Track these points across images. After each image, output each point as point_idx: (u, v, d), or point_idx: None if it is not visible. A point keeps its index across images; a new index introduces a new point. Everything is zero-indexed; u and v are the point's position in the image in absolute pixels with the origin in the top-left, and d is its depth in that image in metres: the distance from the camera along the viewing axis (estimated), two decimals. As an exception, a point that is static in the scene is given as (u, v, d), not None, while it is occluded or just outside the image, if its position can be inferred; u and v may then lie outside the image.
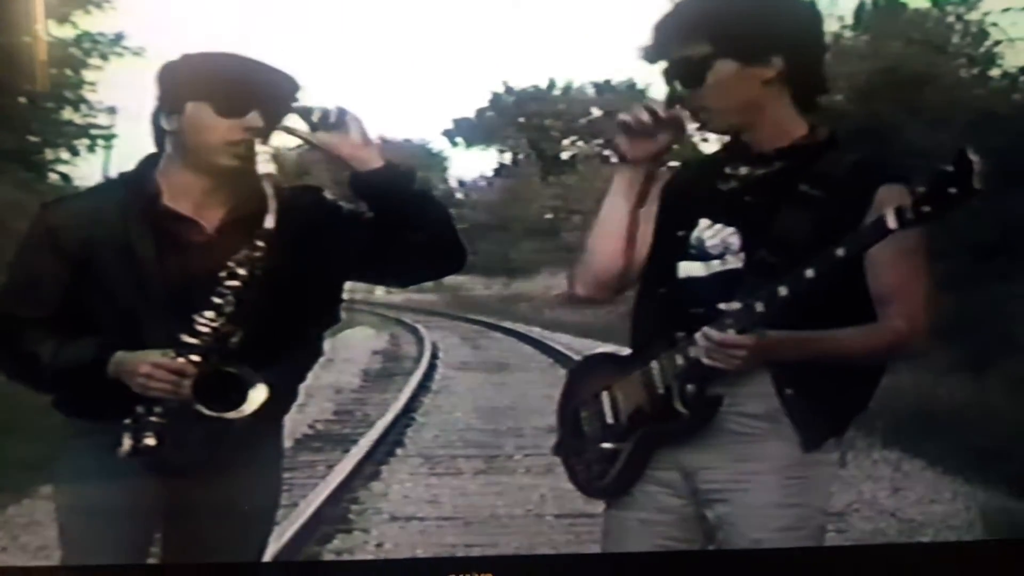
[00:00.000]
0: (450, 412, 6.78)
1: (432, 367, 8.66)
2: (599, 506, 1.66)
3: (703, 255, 1.52)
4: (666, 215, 1.59)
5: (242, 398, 1.50)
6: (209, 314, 1.52)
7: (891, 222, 1.34)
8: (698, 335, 1.42)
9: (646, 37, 1.55)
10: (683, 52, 1.50)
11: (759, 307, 1.40)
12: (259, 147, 1.55)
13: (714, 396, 1.47)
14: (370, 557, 3.67)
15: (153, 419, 1.51)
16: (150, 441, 1.51)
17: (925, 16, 8.73)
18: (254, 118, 1.54)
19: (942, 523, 4.04)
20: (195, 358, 1.50)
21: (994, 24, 8.27)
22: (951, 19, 8.66)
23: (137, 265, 1.55)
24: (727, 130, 1.57)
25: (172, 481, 1.56)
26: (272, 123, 1.57)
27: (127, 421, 1.52)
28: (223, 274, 1.52)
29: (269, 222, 1.52)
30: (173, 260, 1.56)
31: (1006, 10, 7.69)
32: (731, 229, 1.50)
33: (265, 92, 1.56)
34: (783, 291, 1.39)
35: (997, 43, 8.23)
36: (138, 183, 1.61)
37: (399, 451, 5.49)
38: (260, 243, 1.52)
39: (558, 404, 1.65)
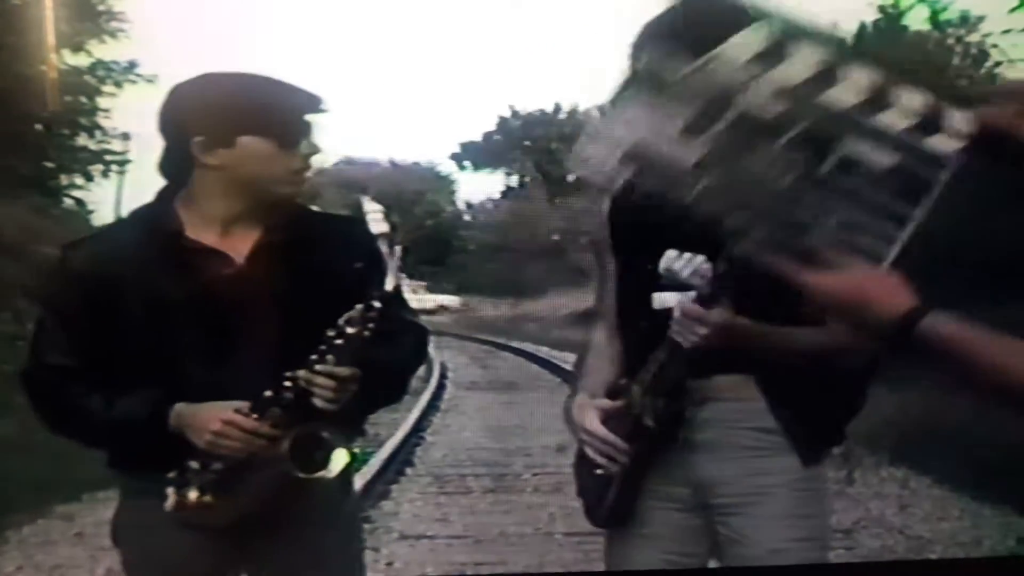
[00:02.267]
0: (459, 431, 6.80)
1: (441, 387, 8.67)
2: (608, 525, 1.68)
3: (679, 285, 1.52)
4: (629, 247, 1.59)
5: (326, 460, 1.44)
6: (303, 373, 1.41)
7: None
8: (674, 306, 1.45)
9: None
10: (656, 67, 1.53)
11: (705, 289, 1.43)
12: (369, 205, 1.48)
13: (676, 409, 1.50)
14: (380, 576, 3.69)
15: (208, 474, 1.43)
16: (193, 495, 1.43)
17: (926, 38, 8.78)
18: (308, 145, 1.50)
19: (950, 540, 4.03)
20: (271, 416, 1.42)
21: (995, 46, 8.31)
22: (951, 41, 8.71)
23: (169, 307, 1.46)
24: None
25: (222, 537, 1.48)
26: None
27: (171, 475, 1.43)
28: (331, 333, 1.42)
29: (390, 284, 1.43)
30: (205, 297, 1.47)
31: (1006, 31, 7.74)
32: (702, 256, 1.50)
33: (309, 114, 1.51)
34: (707, 288, 1.43)
35: (998, 64, 8.27)
36: (157, 218, 1.52)
37: (409, 470, 5.52)
38: (377, 304, 1.42)
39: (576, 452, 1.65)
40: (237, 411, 1.42)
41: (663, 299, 1.55)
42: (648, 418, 1.51)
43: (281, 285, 1.48)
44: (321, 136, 1.54)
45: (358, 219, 1.61)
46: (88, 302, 1.49)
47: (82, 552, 3.79)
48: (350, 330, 1.42)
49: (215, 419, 1.42)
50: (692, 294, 1.46)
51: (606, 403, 1.55)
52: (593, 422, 1.55)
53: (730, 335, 1.43)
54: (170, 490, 1.43)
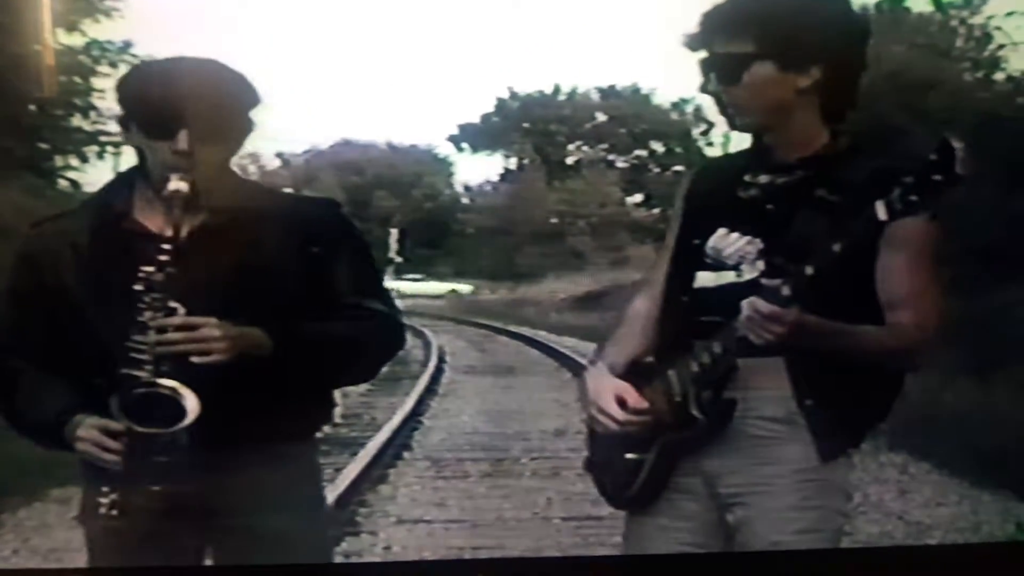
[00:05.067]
0: (457, 416, 6.80)
1: (439, 371, 8.67)
2: (606, 509, 1.66)
3: (719, 265, 1.52)
4: (687, 223, 1.60)
5: (180, 412, 1.40)
6: (151, 338, 1.40)
7: (881, 213, 1.35)
8: (745, 304, 1.41)
9: (689, 26, 1.54)
10: (725, 48, 1.50)
11: (785, 290, 1.40)
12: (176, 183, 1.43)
13: (728, 400, 1.48)
14: (377, 560, 3.68)
15: (114, 475, 1.42)
16: (110, 498, 1.42)
17: (929, 20, 8.75)
18: (182, 139, 1.44)
19: (949, 525, 4.03)
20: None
21: (998, 28, 8.29)
22: (955, 23, 8.68)
23: (106, 290, 1.46)
24: (751, 130, 1.56)
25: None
26: (210, 140, 1.46)
27: (101, 493, 1.43)
28: (140, 287, 1.42)
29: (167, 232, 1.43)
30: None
31: (1010, 14, 7.71)
32: (747, 238, 1.51)
33: (196, 109, 1.45)
34: (786, 290, 1.40)
35: (1001, 47, 8.24)
36: (109, 198, 1.53)
37: (406, 454, 5.50)
38: (167, 247, 1.42)
39: (588, 421, 1.63)
40: (96, 426, 1.43)
41: (703, 278, 1.54)
42: (694, 408, 1.49)
43: (217, 269, 1.46)
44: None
45: (317, 199, 1.65)
46: (36, 283, 1.50)
47: (78, 536, 3.77)
48: (157, 278, 1.41)
49: (82, 426, 1.44)
50: (763, 295, 1.41)
51: (628, 388, 1.53)
52: (610, 404, 1.53)
53: (804, 333, 1.41)
54: (102, 500, 1.43)
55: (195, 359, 1.41)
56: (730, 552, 1.53)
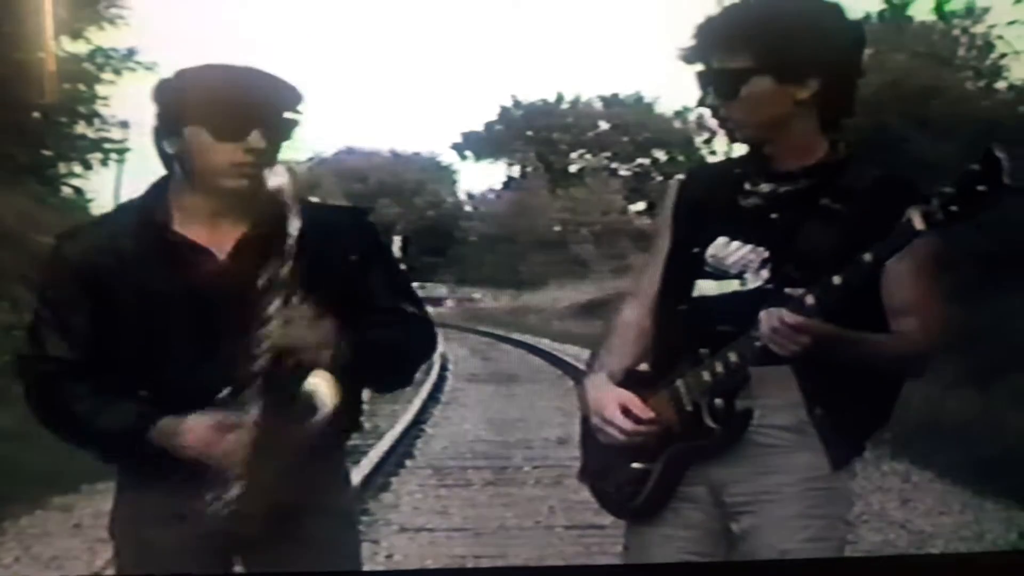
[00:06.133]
0: (459, 424, 6.79)
1: (442, 379, 8.67)
2: (608, 518, 1.66)
3: (721, 273, 1.51)
4: (682, 231, 1.59)
5: (313, 408, 1.43)
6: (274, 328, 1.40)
7: (918, 223, 1.33)
8: (764, 315, 1.40)
9: (687, 38, 1.53)
10: (723, 62, 1.50)
11: (809, 300, 1.39)
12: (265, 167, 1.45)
13: (745, 410, 1.47)
14: (380, 568, 3.67)
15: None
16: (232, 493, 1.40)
17: (931, 29, 8.76)
18: (256, 138, 1.46)
19: (952, 534, 4.02)
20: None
21: (1000, 37, 8.29)
22: (957, 32, 8.69)
23: (153, 301, 1.47)
24: (751, 142, 1.56)
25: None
26: (276, 139, 1.49)
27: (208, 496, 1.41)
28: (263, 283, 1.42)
29: (293, 228, 1.45)
30: (187, 292, 1.46)
31: (1012, 23, 7.71)
32: (750, 247, 1.50)
33: (264, 109, 1.48)
34: (811, 299, 1.40)
35: (1003, 56, 8.25)
36: (148, 209, 1.53)
37: (409, 462, 5.50)
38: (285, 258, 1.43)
39: (580, 429, 1.62)
40: (211, 424, 1.41)
41: (703, 287, 1.53)
42: (708, 419, 1.48)
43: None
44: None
45: (356, 209, 1.63)
46: (81, 293, 1.49)
47: (80, 543, 3.78)
48: (283, 273, 1.42)
49: (201, 425, 1.41)
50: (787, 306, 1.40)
51: (633, 398, 1.52)
52: (616, 415, 1.52)
53: (826, 343, 1.40)
54: (209, 508, 1.42)
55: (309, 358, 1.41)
56: (733, 561, 1.53)
